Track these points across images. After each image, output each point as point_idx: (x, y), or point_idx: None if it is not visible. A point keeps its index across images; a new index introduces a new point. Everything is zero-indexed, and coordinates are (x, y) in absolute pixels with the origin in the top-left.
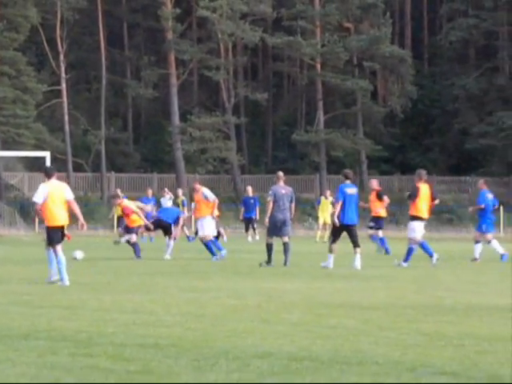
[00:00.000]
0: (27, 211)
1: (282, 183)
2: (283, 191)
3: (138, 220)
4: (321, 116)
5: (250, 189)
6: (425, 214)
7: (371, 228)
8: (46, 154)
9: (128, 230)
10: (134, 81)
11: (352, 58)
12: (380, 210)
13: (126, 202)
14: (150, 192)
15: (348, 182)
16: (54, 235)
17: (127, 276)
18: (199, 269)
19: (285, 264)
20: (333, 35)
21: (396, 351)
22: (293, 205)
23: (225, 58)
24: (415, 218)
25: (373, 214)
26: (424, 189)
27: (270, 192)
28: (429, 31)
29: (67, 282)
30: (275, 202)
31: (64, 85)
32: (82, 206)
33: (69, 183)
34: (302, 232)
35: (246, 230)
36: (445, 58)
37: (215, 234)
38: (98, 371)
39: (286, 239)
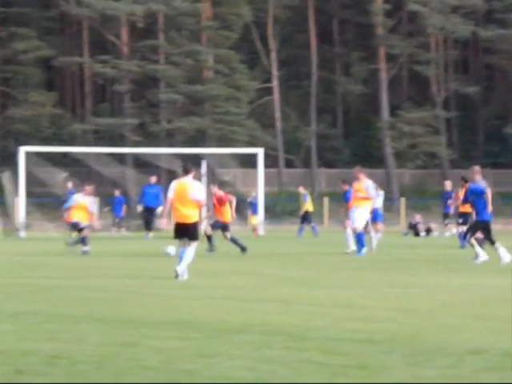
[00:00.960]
0: (240, 207)
1: (478, 178)
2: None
3: None
4: None
5: (448, 183)
6: None
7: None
8: (259, 151)
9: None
10: (344, 77)
11: None
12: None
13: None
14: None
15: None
16: (176, 231)
17: (337, 271)
18: (408, 264)
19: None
20: None
21: None
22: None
23: (435, 52)
24: None
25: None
26: None
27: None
28: None
29: (185, 276)
30: None
31: (276, 82)
32: (294, 201)
33: (280, 179)
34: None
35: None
36: None
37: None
38: (312, 365)
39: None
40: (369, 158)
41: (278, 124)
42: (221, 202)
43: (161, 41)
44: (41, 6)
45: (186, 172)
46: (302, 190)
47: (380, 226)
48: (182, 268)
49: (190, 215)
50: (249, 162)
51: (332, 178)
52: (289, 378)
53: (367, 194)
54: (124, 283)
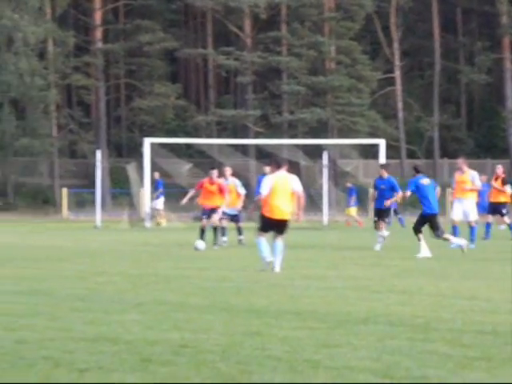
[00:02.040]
0: (361, 198)
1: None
2: None
3: None
4: None
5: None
6: None
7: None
8: (381, 142)
9: None
10: (468, 66)
11: None
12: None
13: None
14: (483, 178)
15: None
16: (266, 225)
17: (461, 262)
18: None
19: None
20: None
21: None
22: None
23: None
24: None
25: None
26: None
27: None
28: None
29: (277, 269)
30: None
31: (398, 72)
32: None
33: (402, 170)
34: None
35: None
36: None
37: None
38: (437, 356)
39: None
40: (493, 148)
41: (400, 114)
42: (221, 190)
43: (283, 32)
44: None
45: (279, 166)
46: None
47: (505, 217)
48: (279, 262)
49: (288, 212)
50: (370, 152)
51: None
52: (413, 368)
53: (474, 185)
54: (246, 274)
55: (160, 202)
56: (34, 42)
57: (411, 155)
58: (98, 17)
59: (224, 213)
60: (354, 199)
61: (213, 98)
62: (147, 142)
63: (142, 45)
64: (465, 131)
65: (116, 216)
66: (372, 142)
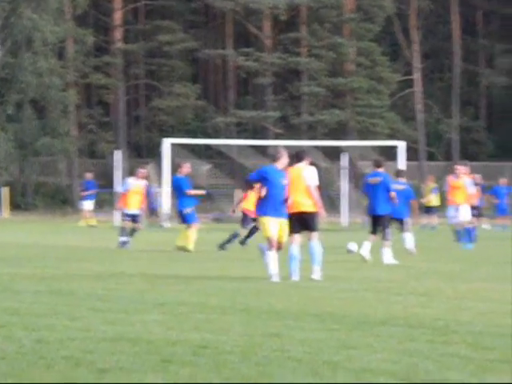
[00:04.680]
0: None
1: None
2: None
3: None
4: None
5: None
6: None
7: None
8: (400, 144)
9: None
10: (488, 69)
11: None
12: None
13: None
14: (503, 181)
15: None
16: (290, 223)
17: (480, 264)
18: None
19: None
20: None
21: None
22: None
23: None
24: None
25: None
26: None
27: None
28: None
29: (315, 275)
30: None
31: (417, 74)
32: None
33: (421, 172)
34: None
35: None
36: None
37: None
38: (457, 359)
39: None
40: None
41: (420, 116)
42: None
43: (303, 33)
44: None
45: (300, 159)
46: (431, 182)
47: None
48: (317, 269)
49: (306, 203)
50: (389, 154)
51: (475, 172)
52: (433, 371)
53: (469, 191)
54: (266, 275)
55: (88, 203)
56: (53, 41)
57: (430, 157)
58: (117, 17)
59: (125, 214)
60: None
61: (232, 99)
62: (166, 143)
63: (162, 45)
64: (484, 133)
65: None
66: (391, 144)
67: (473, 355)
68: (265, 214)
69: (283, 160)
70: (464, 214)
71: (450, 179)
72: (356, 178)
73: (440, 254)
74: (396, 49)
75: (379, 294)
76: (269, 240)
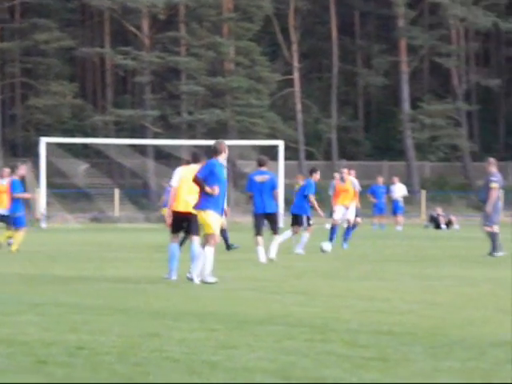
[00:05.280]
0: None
1: (493, 170)
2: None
3: None
4: None
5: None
6: None
7: None
8: (279, 143)
9: None
10: (365, 69)
11: None
12: None
13: None
14: (380, 180)
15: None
16: (173, 222)
17: (359, 263)
18: (429, 256)
19: None
20: None
21: None
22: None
23: (456, 44)
24: None
25: None
26: None
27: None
28: None
29: (195, 278)
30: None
31: (296, 74)
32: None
33: (300, 171)
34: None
35: None
36: None
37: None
38: (334, 357)
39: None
40: (390, 150)
41: (299, 116)
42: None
43: (182, 32)
44: None
45: (196, 160)
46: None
47: (400, 218)
48: (196, 272)
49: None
50: (270, 153)
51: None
52: (310, 369)
53: (356, 191)
54: (145, 274)
55: None
56: None
57: (310, 157)
58: None
59: None
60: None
61: (110, 98)
62: (43, 142)
63: (39, 43)
64: (362, 133)
65: None
66: (271, 144)
67: (349, 353)
68: (208, 208)
69: (225, 153)
70: (350, 214)
71: (337, 183)
72: (235, 177)
73: (318, 253)
74: (275, 48)
75: (259, 293)
76: (212, 236)
